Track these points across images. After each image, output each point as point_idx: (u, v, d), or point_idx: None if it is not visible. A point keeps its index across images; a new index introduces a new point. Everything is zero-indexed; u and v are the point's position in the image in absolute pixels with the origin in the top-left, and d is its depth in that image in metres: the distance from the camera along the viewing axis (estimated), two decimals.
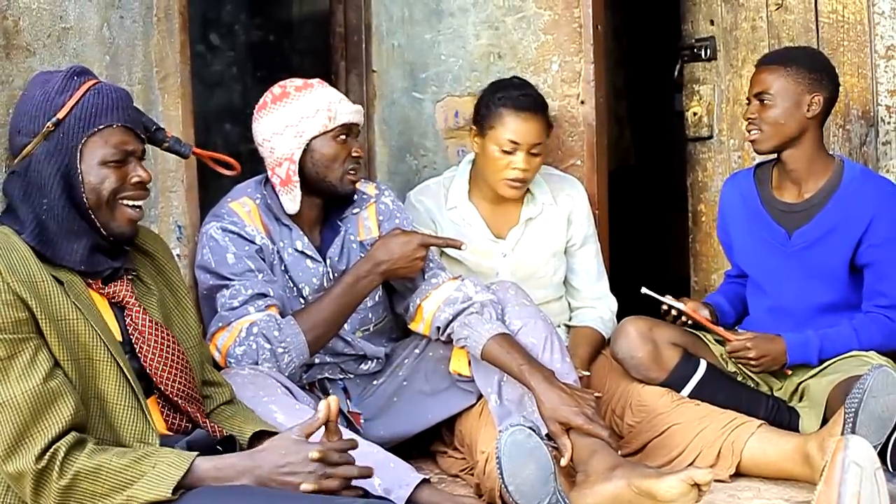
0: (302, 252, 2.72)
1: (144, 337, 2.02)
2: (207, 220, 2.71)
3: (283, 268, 2.70)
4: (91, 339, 1.93)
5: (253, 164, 2.90)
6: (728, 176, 3.14)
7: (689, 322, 2.89)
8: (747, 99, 2.85)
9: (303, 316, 2.60)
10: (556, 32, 3.35)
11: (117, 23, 2.63)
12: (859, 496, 2.14)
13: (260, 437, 2.09)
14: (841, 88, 2.88)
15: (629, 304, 3.14)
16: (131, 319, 2.02)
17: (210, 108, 3.70)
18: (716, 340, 2.91)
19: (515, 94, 3.00)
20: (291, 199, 2.69)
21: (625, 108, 5.16)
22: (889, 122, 3.15)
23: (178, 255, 2.76)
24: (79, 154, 1.96)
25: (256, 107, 2.77)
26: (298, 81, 2.74)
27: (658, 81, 4.60)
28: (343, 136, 2.70)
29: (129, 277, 2.07)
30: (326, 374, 2.78)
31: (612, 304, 3.20)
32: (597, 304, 3.18)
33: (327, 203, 2.78)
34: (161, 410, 2.03)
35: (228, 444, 2.04)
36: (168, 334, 2.06)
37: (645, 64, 5.06)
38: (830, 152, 2.87)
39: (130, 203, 2.02)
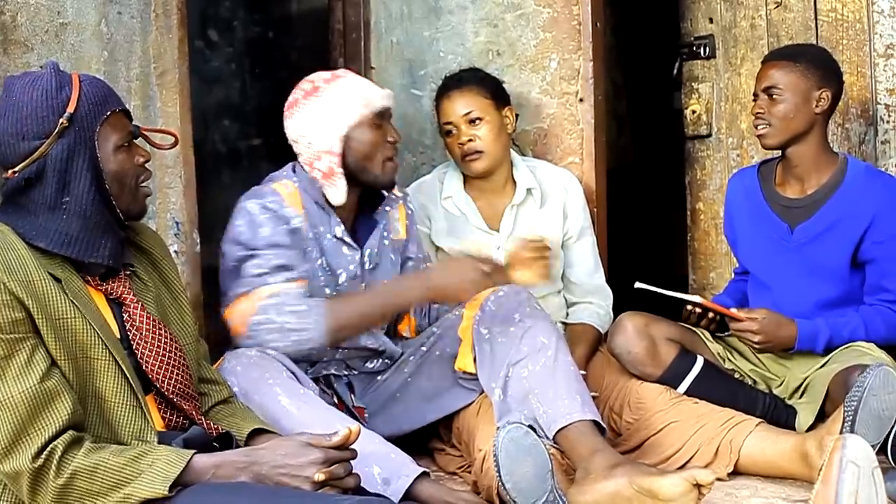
0: (340, 238, 2.72)
1: (142, 334, 2.00)
2: (246, 196, 2.67)
3: (319, 251, 2.69)
4: (89, 337, 1.92)
5: (251, 160, 2.90)
6: (727, 174, 3.13)
7: (704, 313, 2.87)
8: (754, 95, 2.85)
9: (335, 305, 2.57)
10: (554, 30, 3.35)
11: (115, 19, 2.63)
12: (857, 495, 2.13)
13: (257, 434, 2.09)
14: None
15: (627, 303, 3.14)
16: (129, 316, 2.01)
17: (208, 105, 3.70)
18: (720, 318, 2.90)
19: (441, 85, 3.15)
20: (337, 191, 2.68)
21: (624, 106, 5.15)
22: (888, 121, 3.15)
23: (175, 252, 2.75)
24: (96, 144, 1.95)
25: (287, 105, 2.72)
26: (326, 74, 2.73)
27: (657, 79, 4.59)
28: (378, 123, 2.70)
29: (127, 273, 2.06)
30: (332, 371, 2.77)
31: (608, 296, 3.21)
32: (593, 299, 3.18)
33: (363, 193, 2.77)
34: (158, 408, 2.02)
35: (225, 441, 2.03)
36: (165, 331, 2.04)
37: (644, 62, 5.05)
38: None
39: (145, 184, 2.05)
